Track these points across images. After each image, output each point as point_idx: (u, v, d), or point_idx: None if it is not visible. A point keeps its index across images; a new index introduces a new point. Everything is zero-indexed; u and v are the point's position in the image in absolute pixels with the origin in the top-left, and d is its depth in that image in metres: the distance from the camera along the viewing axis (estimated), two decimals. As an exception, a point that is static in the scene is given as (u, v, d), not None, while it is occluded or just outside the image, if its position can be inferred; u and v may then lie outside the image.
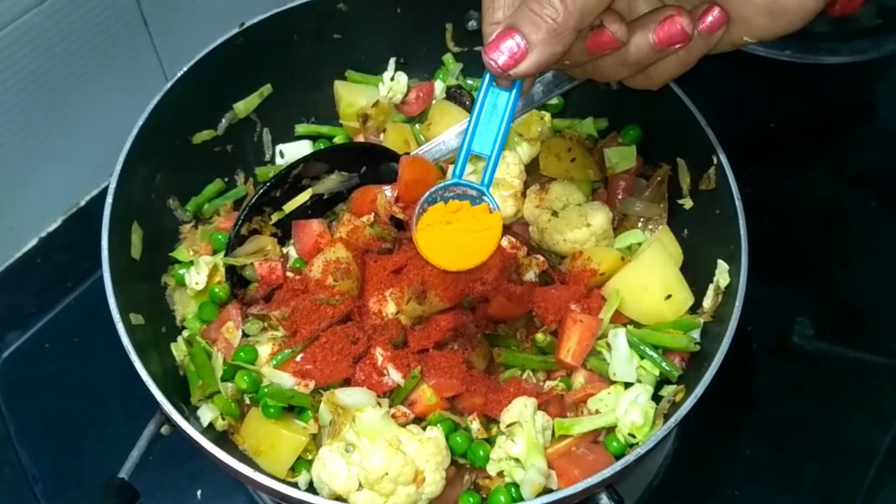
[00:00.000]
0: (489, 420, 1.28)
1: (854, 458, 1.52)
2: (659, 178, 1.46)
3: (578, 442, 1.25)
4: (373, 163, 1.45)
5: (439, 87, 1.59)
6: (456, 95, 1.58)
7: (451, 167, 1.22)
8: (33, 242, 1.72)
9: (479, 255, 1.09)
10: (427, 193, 1.09)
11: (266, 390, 1.24)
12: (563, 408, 1.31)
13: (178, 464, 1.46)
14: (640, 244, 1.43)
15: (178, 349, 1.34)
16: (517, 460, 1.20)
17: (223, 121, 1.50)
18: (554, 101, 1.52)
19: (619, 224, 1.47)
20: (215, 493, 1.48)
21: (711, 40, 0.99)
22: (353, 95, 1.56)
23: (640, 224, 1.46)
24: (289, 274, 1.37)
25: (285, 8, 1.46)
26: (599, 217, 1.39)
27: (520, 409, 1.23)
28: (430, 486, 1.17)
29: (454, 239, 1.08)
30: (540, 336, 1.31)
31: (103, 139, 1.48)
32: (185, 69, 1.38)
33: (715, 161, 1.33)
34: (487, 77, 1.03)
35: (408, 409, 1.25)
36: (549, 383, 1.31)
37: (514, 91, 1.04)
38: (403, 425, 1.22)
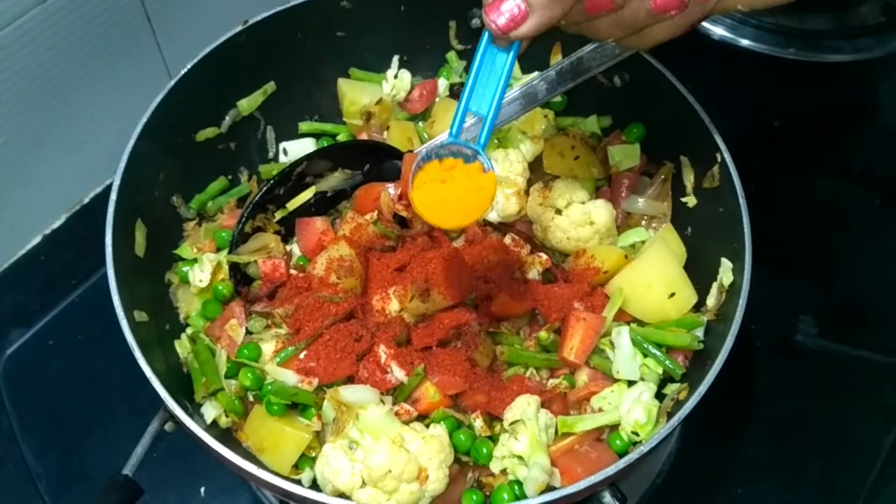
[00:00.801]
0: (492, 418, 1.28)
1: (857, 456, 1.52)
2: (663, 176, 1.46)
3: (581, 440, 1.25)
4: (376, 160, 1.45)
5: (443, 84, 1.59)
6: (459, 93, 1.58)
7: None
8: (37, 240, 1.72)
9: (472, 214, 1.10)
10: (424, 151, 1.10)
11: (269, 388, 1.24)
12: (566, 406, 1.31)
13: (182, 461, 1.46)
14: (643, 242, 1.43)
15: (182, 346, 1.34)
16: (520, 458, 1.20)
17: (227, 118, 1.50)
18: (557, 98, 1.52)
19: (623, 222, 1.47)
20: (219, 490, 1.48)
21: (706, 7, 1.00)
22: (356, 93, 1.56)
23: (643, 222, 1.46)
24: (292, 271, 1.37)
25: (289, 6, 1.46)
26: (603, 215, 1.39)
27: (523, 407, 1.23)
28: (434, 483, 1.17)
29: (449, 197, 1.09)
30: (543, 334, 1.32)
31: (107, 137, 1.48)
32: (188, 67, 1.38)
33: (719, 159, 1.33)
34: (486, 36, 1.03)
35: (411, 407, 1.25)
36: (552, 381, 1.31)
37: (512, 51, 1.04)
38: (407, 423, 1.22)
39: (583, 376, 1.31)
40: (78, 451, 1.52)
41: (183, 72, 1.37)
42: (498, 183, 1.39)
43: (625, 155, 1.47)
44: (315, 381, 1.24)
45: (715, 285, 1.32)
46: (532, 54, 1.51)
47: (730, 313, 1.22)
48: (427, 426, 1.23)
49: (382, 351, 1.26)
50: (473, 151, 1.09)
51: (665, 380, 1.31)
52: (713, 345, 1.24)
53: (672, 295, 1.31)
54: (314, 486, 1.23)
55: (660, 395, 1.27)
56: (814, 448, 1.53)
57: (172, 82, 1.36)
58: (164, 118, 1.34)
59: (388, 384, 1.25)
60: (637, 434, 1.23)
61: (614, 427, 1.26)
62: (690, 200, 1.42)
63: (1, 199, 1.60)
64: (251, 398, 1.29)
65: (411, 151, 1.42)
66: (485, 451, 1.24)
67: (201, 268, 1.37)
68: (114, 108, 1.63)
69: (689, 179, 1.42)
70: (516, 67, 1.54)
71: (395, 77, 1.58)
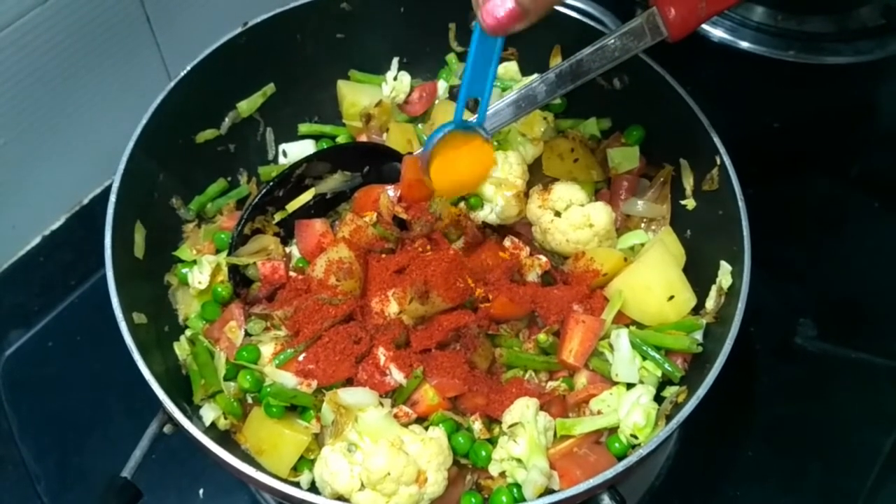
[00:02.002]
0: (491, 420, 1.28)
1: (856, 458, 1.52)
2: (662, 179, 1.46)
3: (580, 443, 1.25)
4: (375, 162, 1.45)
5: (442, 86, 1.59)
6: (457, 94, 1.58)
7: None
8: (36, 241, 1.72)
9: (478, 180, 1.35)
10: (427, 141, 1.27)
11: (268, 390, 1.24)
12: (565, 408, 1.31)
13: (181, 463, 1.46)
14: (642, 245, 1.43)
15: (181, 348, 1.34)
16: (519, 461, 1.20)
17: (226, 120, 1.50)
18: (557, 101, 1.52)
19: (622, 224, 1.47)
20: (217, 493, 1.48)
21: None
22: (356, 95, 1.56)
23: (642, 225, 1.46)
24: (291, 273, 1.37)
25: (288, 7, 1.46)
26: (602, 217, 1.39)
27: (522, 410, 1.23)
28: (433, 486, 1.17)
29: (457, 170, 1.29)
30: (542, 336, 1.31)
31: (107, 138, 1.48)
32: (188, 68, 1.38)
33: (718, 162, 1.33)
34: (479, 29, 1.08)
35: (410, 409, 1.25)
36: (551, 384, 1.31)
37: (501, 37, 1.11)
38: (406, 425, 1.22)
39: (582, 379, 1.31)
40: (77, 453, 1.52)
41: (183, 73, 1.37)
42: (497, 185, 1.40)
43: (624, 157, 1.47)
44: (314, 384, 1.24)
45: (714, 288, 1.31)
46: (532, 56, 1.53)
47: (729, 316, 1.22)
48: (426, 428, 1.23)
49: (381, 353, 1.26)
50: (474, 128, 1.23)
51: (664, 382, 1.31)
52: (712, 347, 1.24)
53: (671, 297, 1.31)
54: (313, 488, 1.23)
55: (659, 398, 1.27)
56: (813, 451, 1.53)
57: (172, 84, 1.36)
58: (163, 120, 1.35)
59: (387, 386, 1.25)
60: (636, 437, 1.23)
61: (613, 430, 1.26)
62: (690, 203, 1.42)
63: (0, 199, 1.60)
64: (250, 400, 1.29)
65: (411, 153, 1.42)
66: (483, 453, 1.24)
67: (200, 269, 1.37)
68: (113, 110, 1.63)
69: (688, 182, 1.42)
70: (516, 69, 1.54)
71: (395, 79, 1.58)
